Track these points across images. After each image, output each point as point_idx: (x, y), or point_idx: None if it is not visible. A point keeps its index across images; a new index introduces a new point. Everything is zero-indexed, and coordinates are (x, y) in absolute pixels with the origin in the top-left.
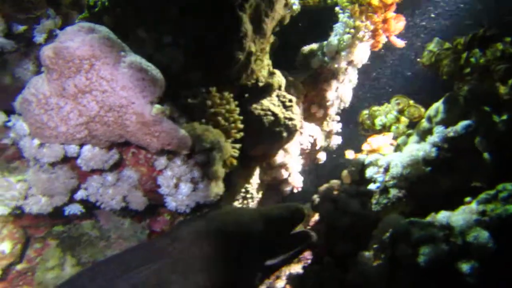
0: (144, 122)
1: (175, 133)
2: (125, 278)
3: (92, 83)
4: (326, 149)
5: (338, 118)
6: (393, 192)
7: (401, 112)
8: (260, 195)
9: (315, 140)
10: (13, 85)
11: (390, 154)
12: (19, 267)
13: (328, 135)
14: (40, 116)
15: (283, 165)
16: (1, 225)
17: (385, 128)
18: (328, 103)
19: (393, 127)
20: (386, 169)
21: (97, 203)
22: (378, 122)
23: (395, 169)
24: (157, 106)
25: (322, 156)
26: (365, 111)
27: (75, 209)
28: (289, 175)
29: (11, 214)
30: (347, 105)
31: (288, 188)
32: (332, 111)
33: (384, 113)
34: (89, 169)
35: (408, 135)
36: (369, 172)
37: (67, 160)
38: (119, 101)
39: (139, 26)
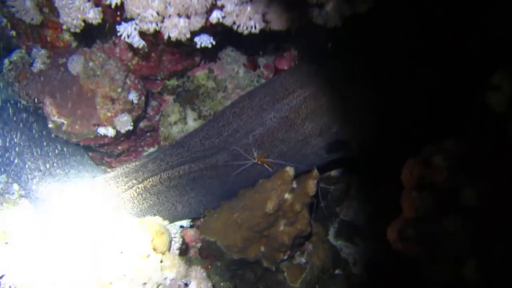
0: None
1: None
2: (273, 110)
3: None
4: None
5: None
6: None
7: None
8: None
9: None
10: None
11: None
12: (141, 124)
13: None
14: None
15: None
16: (125, 74)
17: None
18: None
19: None
20: None
21: (234, 25)
22: None
23: None
24: None
25: None
26: None
27: (207, 40)
28: None
29: (144, 48)
30: None
31: None
32: None
33: None
34: None
35: None
36: None
37: None
38: None
39: None
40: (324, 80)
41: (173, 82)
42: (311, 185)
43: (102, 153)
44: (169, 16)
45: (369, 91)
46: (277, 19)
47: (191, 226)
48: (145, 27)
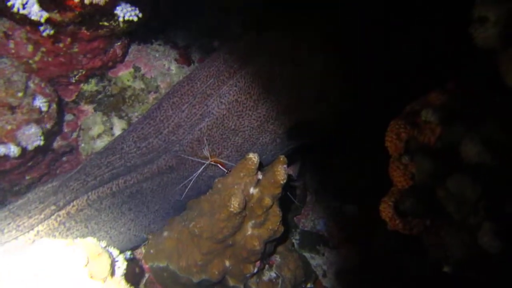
0: None
1: None
2: (220, 94)
3: None
4: None
5: None
6: None
7: None
8: None
9: None
10: None
11: None
12: (55, 144)
13: None
14: None
15: None
16: (26, 75)
17: None
18: None
19: None
20: None
21: None
22: None
23: None
24: None
25: None
26: None
27: (131, 11)
28: None
29: (48, 29)
30: None
31: None
32: None
33: None
34: None
35: None
36: None
37: None
38: None
39: None
40: (276, 51)
41: (91, 87)
42: (281, 171)
43: (3, 189)
44: None
45: (331, 59)
46: None
47: (132, 259)
48: None
